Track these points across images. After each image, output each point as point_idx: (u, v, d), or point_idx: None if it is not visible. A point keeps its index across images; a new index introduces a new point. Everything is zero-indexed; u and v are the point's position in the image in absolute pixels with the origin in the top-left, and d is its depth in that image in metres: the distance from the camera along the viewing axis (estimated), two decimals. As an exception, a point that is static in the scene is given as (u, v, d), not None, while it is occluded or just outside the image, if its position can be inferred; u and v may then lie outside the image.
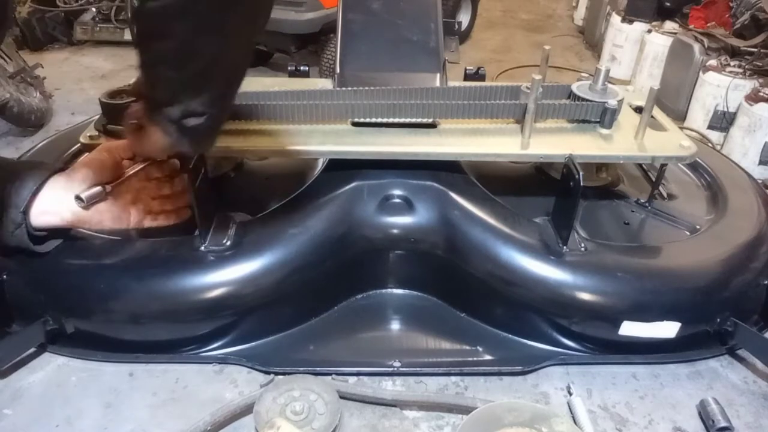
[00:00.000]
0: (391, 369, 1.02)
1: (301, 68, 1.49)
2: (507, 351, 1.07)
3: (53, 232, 0.98)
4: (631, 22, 4.20)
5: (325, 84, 1.35)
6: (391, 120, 1.12)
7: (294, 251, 1.03)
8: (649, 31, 4.08)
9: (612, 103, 1.12)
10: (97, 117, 1.10)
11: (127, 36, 4.47)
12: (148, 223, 1.06)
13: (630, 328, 1.01)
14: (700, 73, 3.47)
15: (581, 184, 0.97)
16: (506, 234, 1.06)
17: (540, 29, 5.64)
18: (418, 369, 1.03)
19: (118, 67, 4.06)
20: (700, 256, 1.07)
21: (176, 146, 0.83)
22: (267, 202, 1.14)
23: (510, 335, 1.09)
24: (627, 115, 1.22)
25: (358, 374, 1.02)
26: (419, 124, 1.13)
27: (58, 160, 1.26)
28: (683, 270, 1.04)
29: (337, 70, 1.23)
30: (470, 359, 1.05)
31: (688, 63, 3.60)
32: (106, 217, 0.99)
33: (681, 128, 1.32)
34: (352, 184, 1.10)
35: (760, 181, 1.32)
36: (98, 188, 0.95)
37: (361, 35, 1.26)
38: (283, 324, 1.09)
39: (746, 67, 3.10)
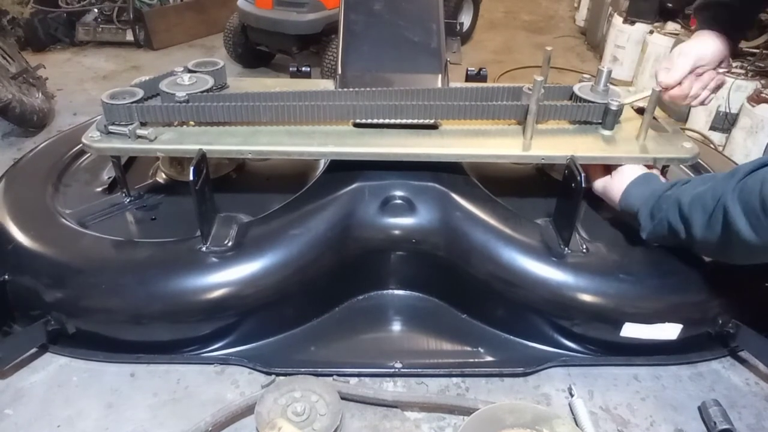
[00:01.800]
0: (393, 370, 1.02)
1: (303, 69, 1.49)
2: (508, 352, 1.07)
3: None
4: (632, 23, 4.19)
5: (327, 85, 1.35)
6: (392, 121, 1.12)
7: (295, 252, 1.03)
8: (651, 32, 4.07)
9: (614, 104, 1.12)
10: (99, 117, 1.10)
11: (129, 37, 4.47)
12: None
13: (631, 330, 1.01)
14: (702, 74, 3.46)
15: (583, 185, 0.97)
16: (507, 235, 1.06)
17: (541, 30, 5.63)
18: (419, 370, 1.03)
19: (120, 68, 4.06)
20: (701, 257, 1.06)
21: None
22: (268, 202, 1.14)
23: (511, 336, 1.09)
24: (629, 116, 1.21)
25: (359, 375, 1.02)
26: (421, 125, 1.13)
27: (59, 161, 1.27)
28: (685, 272, 1.04)
29: (339, 71, 1.23)
30: (471, 360, 1.05)
31: (690, 64, 3.58)
32: None
33: (683, 129, 1.31)
34: (354, 185, 1.10)
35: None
36: None
37: (363, 36, 1.26)
38: (284, 325, 1.09)
39: (748, 68, 3.09)
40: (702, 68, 1.15)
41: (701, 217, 0.92)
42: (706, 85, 1.17)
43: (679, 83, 1.14)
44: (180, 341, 1.03)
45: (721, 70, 1.18)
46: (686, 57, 1.15)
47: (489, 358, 1.06)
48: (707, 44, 1.15)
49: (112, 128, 1.07)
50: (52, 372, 1.01)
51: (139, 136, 1.06)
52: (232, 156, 1.14)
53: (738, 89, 3.18)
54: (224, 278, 1.00)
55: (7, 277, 1.01)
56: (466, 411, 0.92)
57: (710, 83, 1.18)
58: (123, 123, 1.06)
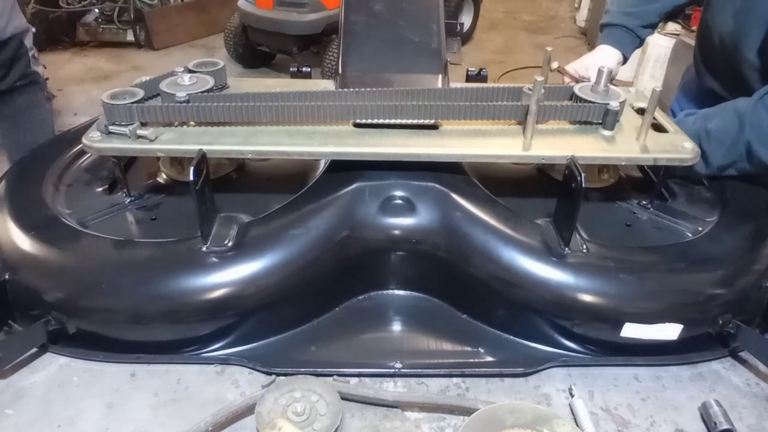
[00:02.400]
0: (393, 370, 1.02)
1: (304, 69, 1.49)
2: (508, 352, 1.07)
3: None
4: (633, 23, 4.19)
5: (327, 85, 1.35)
6: (392, 121, 1.12)
7: (295, 252, 1.03)
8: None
9: (614, 104, 1.12)
10: (100, 118, 1.11)
11: (130, 37, 4.48)
12: None
13: (632, 330, 1.01)
14: (702, 74, 3.46)
15: (583, 185, 0.97)
16: (508, 235, 1.06)
17: (542, 30, 5.64)
18: (419, 370, 1.03)
19: (120, 68, 4.07)
20: (702, 257, 1.06)
21: None
22: (269, 203, 1.14)
23: (511, 337, 1.09)
24: (629, 116, 1.22)
25: (359, 375, 1.02)
26: (421, 126, 1.13)
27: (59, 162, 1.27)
28: (685, 272, 1.04)
29: (339, 72, 1.23)
30: (472, 360, 1.05)
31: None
32: None
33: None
34: (354, 185, 1.10)
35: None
36: None
37: (364, 36, 1.26)
38: (284, 325, 1.09)
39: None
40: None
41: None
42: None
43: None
44: (180, 341, 1.04)
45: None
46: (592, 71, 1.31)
47: (489, 359, 1.06)
48: (611, 61, 1.46)
49: (112, 128, 1.07)
50: (53, 372, 1.01)
51: (140, 137, 1.06)
52: (232, 156, 1.14)
53: (738, 89, 3.16)
54: (224, 278, 1.00)
55: (7, 277, 1.01)
56: (467, 411, 0.93)
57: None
58: (123, 123, 1.07)
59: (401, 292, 1.18)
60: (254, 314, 1.04)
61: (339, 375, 1.00)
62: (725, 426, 0.91)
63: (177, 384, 0.99)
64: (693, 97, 1.59)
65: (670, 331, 1.02)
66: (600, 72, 1.17)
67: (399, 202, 1.09)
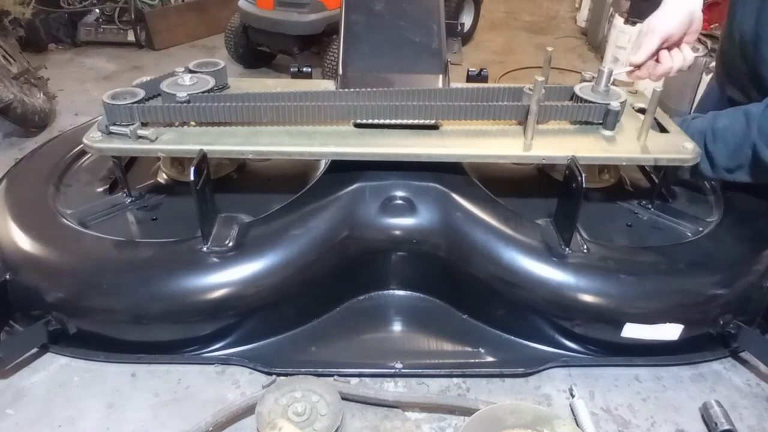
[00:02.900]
0: (393, 370, 1.02)
1: (304, 70, 1.49)
2: (509, 353, 1.07)
3: None
4: (634, 23, 4.19)
5: (328, 85, 1.35)
6: (393, 121, 1.12)
7: (296, 252, 1.03)
8: (652, 33, 4.07)
9: (615, 104, 1.12)
10: (101, 118, 1.11)
11: (131, 37, 4.48)
12: None
13: (632, 330, 1.01)
14: (703, 74, 3.46)
15: (584, 185, 0.97)
16: (508, 235, 1.06)
17: (543, 31, 5.63)
18: (420, 370, 1.03)
19: (121, 69, 4.07)
20: (702, 258, 1.06)
21: None
22: (269, 203, 1.14)
23: (512, 337, 1.09)
24: (630, 116, 1.21)
25: (360, 375, 1.02)
26: (421, 126, 1.13)
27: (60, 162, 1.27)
28: (686, 272, 1.04)
29: (340, 72, 1.23)
30: (472, 361, 1.05)
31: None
32: None
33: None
34: (355, 186, 1.10)
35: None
36: None
37: (364, 37, 1.26)
38: (285, 325, 1.09)
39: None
40: (669, 42, 1.18)
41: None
42: (671, 67, 1.21)
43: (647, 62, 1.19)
44: (181, 341, 1.04)
45: (688, 40, 1.21)
46: (653, 35, 1.18)
47: (490, 359, 1.06)
48: (673, 15, 1.17)
49: (113, 128, 1.07)
50: (53, 372, 1.01)
51: (140, 137, 1.06)
52: (232, 156, 1.14)
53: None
54: (225, 278, 1.00)
55: (8, 276, 1.01)
56: (467, 411, 0.93)
57: (675, 64, 1.21)
58: (124, 123, 1.07)
59: (402, 293, 1.18)
60: (255, 314, 1.04)
61: (339, 375, 1.00)
62: (726, 426, 0.91)
63: (177, 384, 0.99)
64: (712, 107, 1.54)
65: (670, 332, 1.01)
66: (600, 72, 1.17)
67: (399, 202, 1.09)
